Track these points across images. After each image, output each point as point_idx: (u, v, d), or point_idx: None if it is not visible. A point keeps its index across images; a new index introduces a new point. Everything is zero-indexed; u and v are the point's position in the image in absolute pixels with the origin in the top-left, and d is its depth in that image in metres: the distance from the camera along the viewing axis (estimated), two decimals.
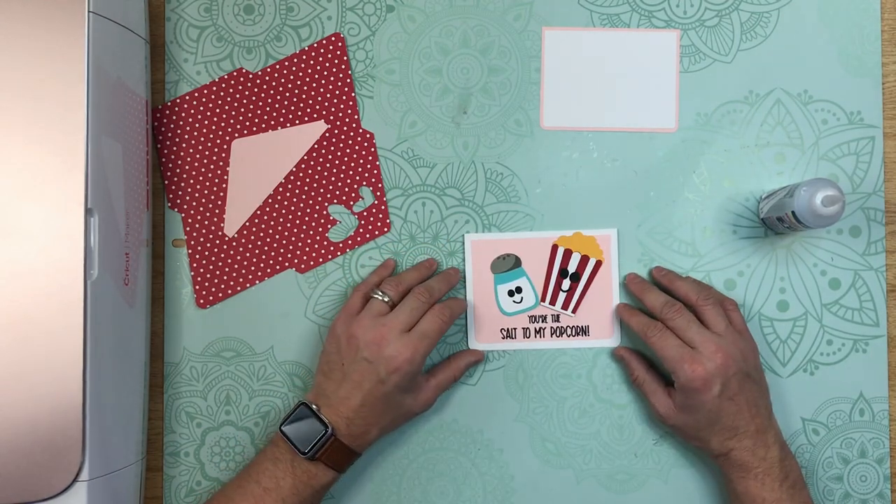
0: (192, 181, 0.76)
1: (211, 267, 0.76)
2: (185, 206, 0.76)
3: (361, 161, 0.76)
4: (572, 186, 0.76)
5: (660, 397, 0.71)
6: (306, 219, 0.76)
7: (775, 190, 0.73)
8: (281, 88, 0.76)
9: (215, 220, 0.76)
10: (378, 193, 0.76)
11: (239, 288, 0.76)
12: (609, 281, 0.75)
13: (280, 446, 0.68)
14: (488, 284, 0.76)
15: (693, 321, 0.69)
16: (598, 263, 0.75)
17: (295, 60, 0.76)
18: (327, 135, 0.76)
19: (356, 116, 0.76)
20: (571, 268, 0.76)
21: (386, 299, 0.70)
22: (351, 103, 0.76)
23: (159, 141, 0.76)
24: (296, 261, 0.76)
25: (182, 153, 0.76)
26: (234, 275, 0.76)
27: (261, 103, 0.76)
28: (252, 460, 0.70)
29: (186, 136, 0.76)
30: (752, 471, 0.67)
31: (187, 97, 0.76)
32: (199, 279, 0.76)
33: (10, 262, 0.63)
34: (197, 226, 0.76)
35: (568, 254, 0.75)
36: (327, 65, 0.76)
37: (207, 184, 0.76)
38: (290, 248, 0.76)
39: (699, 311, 0.70)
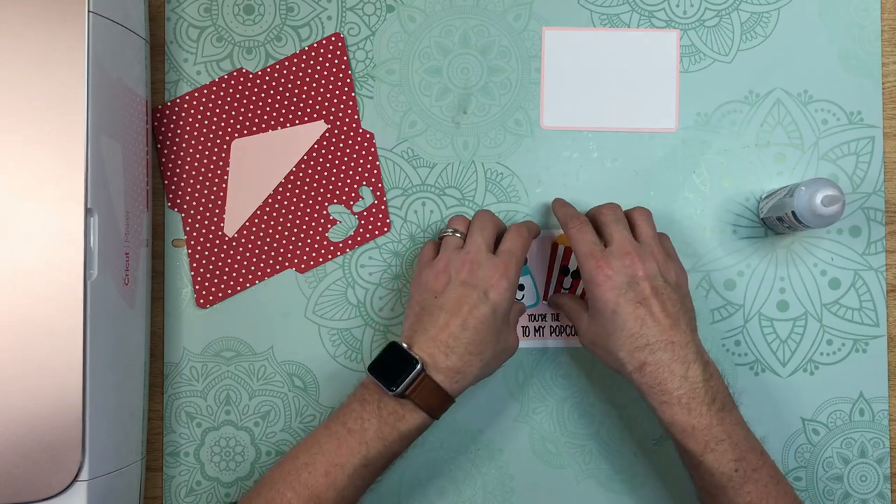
0: (192, 181, 0.76)
1: (211, 267, 0.76)
2: (185, 206, 0.76)
3: (361, 161, 0.76)
4: (572, 186, 0.76)
5: (575, 307, 0.70)
6: (306, 219, 0.76)
7: (775, 190, 0.73)
8: (281, 88, 0.76)
9: (215, 220, 0.76)
10: (378, 193, 0.76)
11: (239, 288, 0.76)
12: None
13: (369, 387, 0.65)
14: None
15: (621, 220, 0.68)
16: None
17: (295, 60, 0.76)
18: (327, 135, 0.76)
19: (356, 116, 0.76)
20: (572, 266, 0.76)
21: (458, 234, 0.69)
22: (351, 103, 0.76)
23: (159, 141, 0.76)
24: (296, 261, 0.76)
25: (182, 153, 0.76)
26: (234, 275, 0.76)
27: (261, 103, 0.76)
28: (343, 403, 0.67)
29: (186, 136, 0.76)
30: (672, 394, 0.62)
31: (187, 97, 0.76)
32: (199, 279, 0.76)
33: (10, 262, 0.63)
34: (197, 226, 0.76)
35: (568, 252, 0.75)
36: (327, 65, 0.76)
37: (207, 184, 0.76)
38: (290, 248, 0.76)
39: (630, 218, 0.69)
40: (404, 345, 0.64)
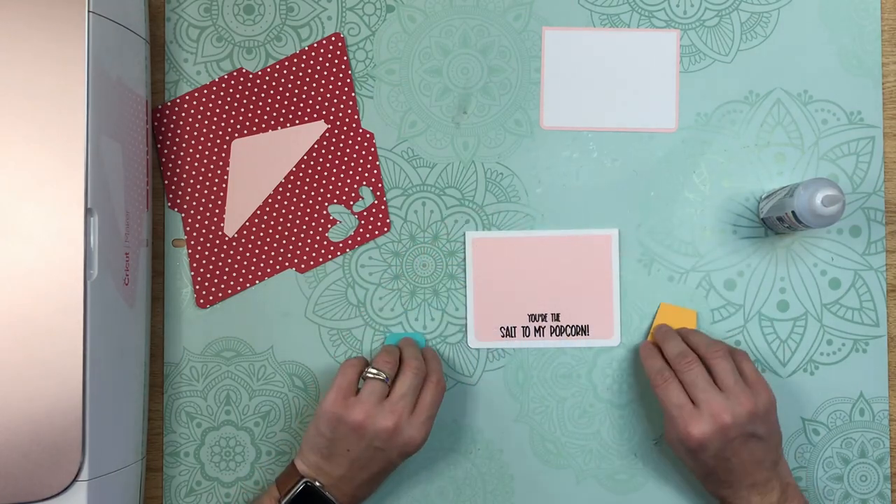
0: (192, 181, 0.76)
1: (211, 267, 0.76)
2: (185, 206, 0.76)
3: (361, 161, 0.76)
4: (572, 186, 0.76)
5: (675, 420, 0.68)
6: (306, 219, 0.76)
7: (775, 190, 0.73)
8: (281, 88, 0.76)
9: (215, 220, 0.76)
10: (378, 193, 0.76)
11: (239, 288, 0.76)
12: (609, 281, 0.75)
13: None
14: (488, 283, 0.76)
15: (702, 375, 0.67)
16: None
17: (295, 60, 0.76)
18: (327, 135, 0.76)
19: (356, 116, 0.76)
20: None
21: (384, 377, 0.68)
22: (351, 103, 0.76)
23: (159, 141, 0.76)
24: (296, 261, 0.76)
25: (182, 153, 0.76)
26: (234, 275, 0.76)
27: (261, 103, 0.76)
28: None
29: (186, 136, 0.76)
30: None
31: (187, 97, 0.76)
32: (199, 279, 0.76)
33: (10, 262, 0.63)
34: (197, 226, 0.76)
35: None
36: (327, 65, 0.76)
37: (207, 184, 0.76)
38: (290, 248, 0.76)
39: (709, 364, 0.68)
40: (318, 483, 0.67)
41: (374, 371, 0.68)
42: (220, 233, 0.76)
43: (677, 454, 0.69)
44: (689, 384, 0.67)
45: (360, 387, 0.68)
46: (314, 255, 0.76)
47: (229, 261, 0.76)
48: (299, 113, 0.76)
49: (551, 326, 0.76)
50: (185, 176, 0.76)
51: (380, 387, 0.68)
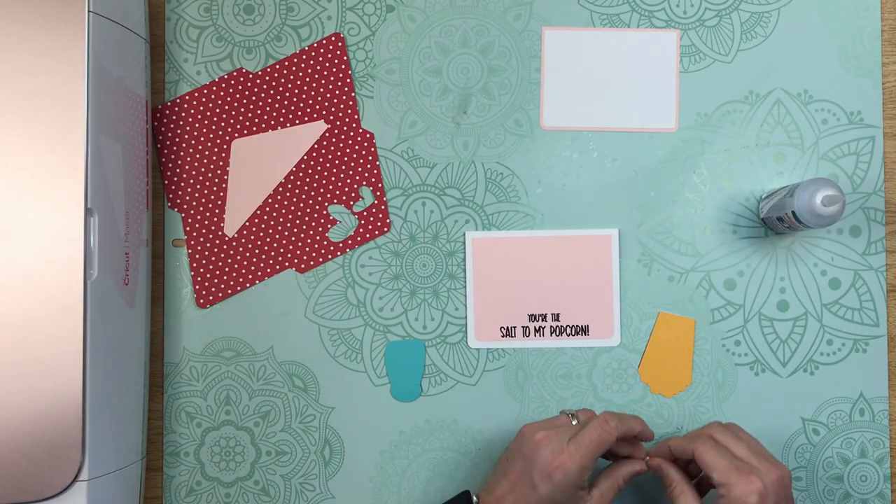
0: (192, 181, 0.76)
1: (211, 267, 0.76)
2: (185, 206, 0.76)
3: (361, 161, 0.76)
4: (572, 186, 0.76)
5: None
6: (306, 219, 0.76)
7: (775, 190, 0.73)
8: (281, 88, 0.76)
9: (215, 220, 0.76)
10: (378, 193, 0.76)
11: (239, 288, 0.76)
12: (609, 281, 0.76)
13: None
14: (488, 283, 0.76)
15: (740, 440, 0.65)
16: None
17: (295, 60, 0.76)
18: (327, 135, 0.76)
19: (356, 116, 0.76)
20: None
21: (572, 416, 0.69)
22: (351, 103, 0.76)
23: (159, 141, 0.76)
24: (296, 261, 0.76)
25: (182, 153, 0.76)
26: (234, 275, 0.76)
27: (261, 103, 0.76)
28: None
29: (186, 136, 0.76)
30: None
31: (187, 97, 0.76)
32: (199, 279, 0.76)
33: (10, 262, 0.63)
34: (197, 226, 0.76)
35: None
36: (327, 65, 0.76)
37: (207, 184, 0.76)
38: (290, 248, 0.76)
39: (722, 441, 0.66)
40: (475, 496, 0.68)
41: (571, 413, 0.69)
42: (220, 233, 0.76)
43: None
44: (730, 445, 0.65)
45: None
46: (314, 255, 0.76)
47: (229, 261, 0.76)
48: (299, 113, 0.76)
49: (551, 326, 0.76)
50: (185, 176, 0.76)
51: (563, 418, 0.69)
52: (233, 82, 0.76)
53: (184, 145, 0.76)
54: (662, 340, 0.75)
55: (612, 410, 0.73)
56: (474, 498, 0.68)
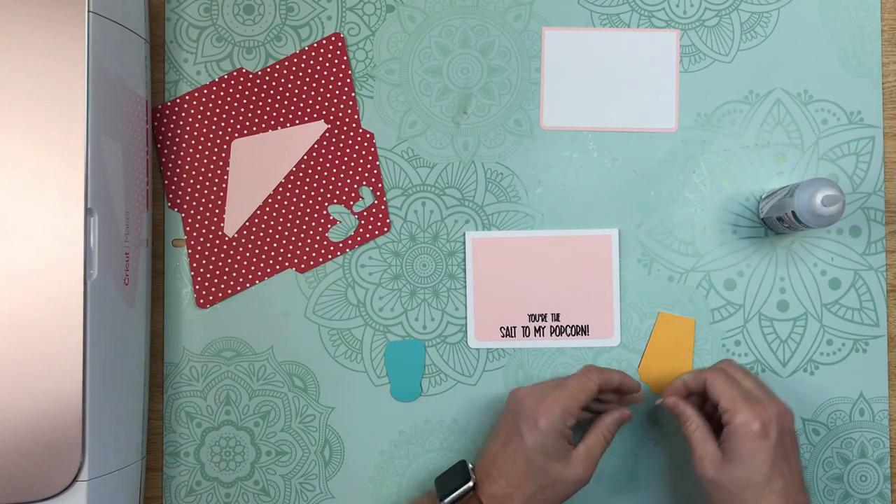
0: (192, 181, 0.76)
1: (211, 267, 0.76)
2: (185, 206, 0.76)
3: (361, 161, 0.76)
4: (572, 186, 0.76)
5: (709, 446, 0.65)
6: (306, 219, 0.76)
7: (775, 190, 0.73)
8: (281, 88, 0.76)
9: (215, 220, 0.76)
10: (378, 193, 0.76)
11: (239, 288, 0.76)
12: (609, 281, 0.76)
13: (431, 495, 0.69)
14: (488, 283, 0.76)
15: (748, 376, 0.68)
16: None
17: (295, 60, 0.76)
18: (327, 135, 0.76)
19: (356, 116, 0.76)
20: None
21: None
22: (351, 103, 0.76)
23: (159, 141, 0.76)
24: (296, 261, 0.76)
25: (182, 153, 0.76)
26: (234, 275, 0.76)
27: (261, 103, 0.76)
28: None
29: (186, 136, 0.76)
30: None
31: (187, 97, 0.76)
32: (199, 279, 0.76)
33: (10, 262, 0.63)
34: (197, 226, 0.76)
35: None
36: (327, 65, 0.76)
37: (207, 184, 0.76)
38: (290, 248, 0.76)
39: (730, 373, 0.69)
40: (470, 464, 0.68)
41: None
42: (220, 233, 0.76)
43: (726, 465, 0.64)
44: (739, 378, 0.68)
45: None
46: (314, 255, 0.76)
47: (229, 261, 0.76)
48: (299, 113, 0.76)
49: (551, 326, 0.76)
50: (185, 176, 0.76)
51: (550, 381, 0.71)
52: (233, 82, 0.76)
53: (184, 145, 0.76)
54: (662, 340, 0.75)
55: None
56: (470, 465, 0.68)
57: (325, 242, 0.76)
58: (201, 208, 0.76)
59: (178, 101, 0.76)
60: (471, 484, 0.66)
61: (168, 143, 0.76)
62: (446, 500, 0.66)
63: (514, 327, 0.76)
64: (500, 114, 0.77)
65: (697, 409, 0.69)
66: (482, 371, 0.76)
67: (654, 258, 0.76)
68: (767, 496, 0.63)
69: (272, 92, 0.76)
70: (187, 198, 0.76)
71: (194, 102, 0.76)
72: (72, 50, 0.64)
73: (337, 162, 0.76)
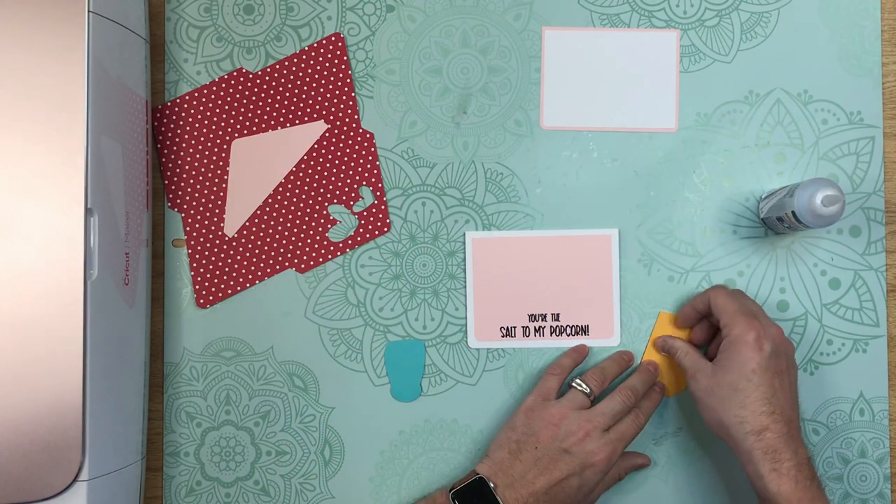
0: (192, 181, 0.76)
1: (211, 267, 0.76)
2: (185, 206, 0.76)
3: (361, 161, 0.76)
4: (572, 186, 0.76)
5: (700, 363, 0.69)
6: (306, 219, 0.76)
7: (775, 190, 0.73)
8: (281, 88, 0.76)
9: (215, 220, 0.76)
10: (378, 193, 0.76)
11: (239, 288, 0.76)
12: (609, 281, 0.76)
13: (444, 493, 0.69)
14: (488, 283, 0.76)
15: (754, 301, 0.71)
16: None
17: (295, 60, 0.76)
18: (327, 135, 0.76)
19: (356, 116, 0.76)
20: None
21: (587, 391, 0.71)
22: (351, 103, 0.76)
23: (159, 141, 0.76)
24: (296, 261, 0.76)
25: (182, 153, 0.76)
26: (234, 275, 0.76)
27: (261, 103, 0.76)
28: None
29: (186, 136, 0.76)
30: (784, 463, 0.64)
31: (187, 97, 0.76)
32: (199, 279, 0.76)
33: (10, 262, 0.63)
34: (197, 226, 0.76)
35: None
36: (327, 65, 0.76)
37: (207, 184, 0.76)
38: (290, 248, 0.76)
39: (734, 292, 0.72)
40: (491, 483, 0.68)
41: (580, 382, 0.71)
42: (220, 233, 0.76)
43: (716, 373, 0.67)
44: (732, 304, 0.69)
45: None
46: (314, 255, 0.76)
47: (229, 261, 0.76)
48: (299, 113, 0.76)
49: (551, 326, 0.76)
50: (185, 176, 0.76)
51: (581, 398, 0.70)
52: (233, 82, 0.76)
53: (184, 145, 0.76)
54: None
55: (603, 362, 0.74)
56: (491, 483, 0.68)
57: (325, 242, 0.76)
58: (201, 208, 0.76)
59: (178, 101, 0.76)
60: None
61: (168, 143, 0.76)
62: None
63: (514, 327, 0.76)
64: (500, 114, 0.77)
65: (703, 342, 0.74)
66: (482, 371, 0.76)
67: (654, 258, 0.76)
68: (754, 401, 0.65)
69: (272, 92, 0.76)
70: (187, 198, 0.76)
71: (194, 102, 0.76)
72: (72, 50, 0.64)
73: (337, 162, 0.76)
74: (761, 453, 0.64)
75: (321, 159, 0.76)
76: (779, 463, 0.64)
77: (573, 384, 0.71)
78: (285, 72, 0.76)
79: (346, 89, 0.76)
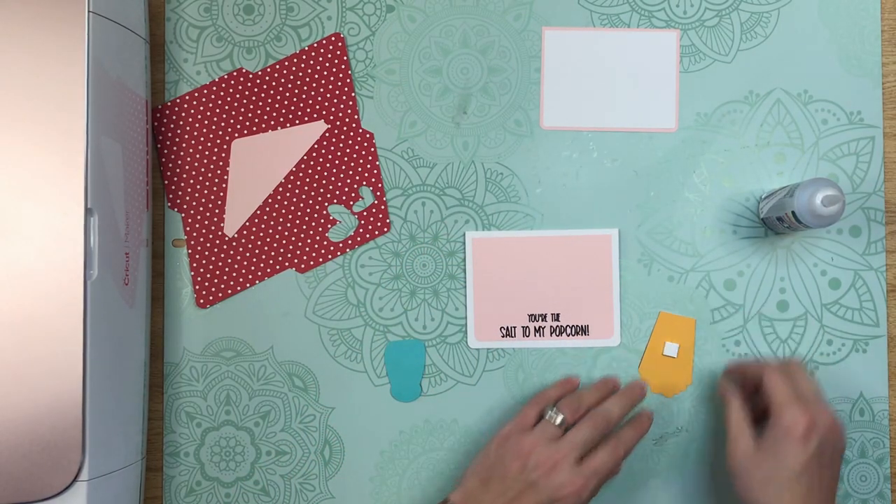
0: (192, 181, 0.76)
1: (211, 267, 0.76)
2: (185, 206, 0.76)
3: (361, 161, 0.76)
4: (572, 186, 0.76)
5: (744, 433, 0.66)
6: (306, 219, 0.76)
7: (775, 190, 0.73)
8: (281, 88, 0.76)
9: (215, 220, 0.76)
10: (378, 193, 0.76)
11: (239, 288, 0.76)
12: (609, 281, 0.76)
13: None
14: (488, 283, 0.76)
15: (810, 381, 0.66)
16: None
17: (295, 60, 0.76)
18: (327, 135, 0.76)
19: (356, 116, 0.76)
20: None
21: (559, 421, 0.67)
22: (351, 103, 0.76)
23: (159, 141, 0.76)
24: (296, 261, 0.76)
25: (182, 153, 0.76)
26: (234, 275, 0.76)
27: (261, 103, 0.76)
28: None
29: (186, 136, 0.76)
30: None
31: (187, 97, 0.76)
32: (199, 279, 0.76)
33: (10, 262, 0.63)
34: (197, 226, 0.76)
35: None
36: (327, 65, 0.76)
37: (207, 184, 0.76)
38: (290, 248, 0.76)
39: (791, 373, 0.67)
40: None
41: (552, 412, 0.68)
42: (220, 233, 0.76)
43: (757, 454, 0.64)
44: (797, 379, 0.66)
45: None
46: (314, 255, 0.76)
47: (229, 261, 0.76)
48: (299, 113, 0.76)
49: (551, 326, 0.76)
50: (185, 176, 0.76)
51: (551, 428, 0.67)
52: (233, 82, 0.76)
53: (184, 145, 0.76)
54: (663, 340, 0.75)
55: (585, 389, 0.71)
56: None
57: (325, 242, 0.76)
58: (201, 208, 0.76)
59: (178, 101, 0.76)
60: None
61: (168, 143, 0.76)
62: None
63: (514, 327, 0.76)
64: (500, 114, 0.77)
65: (749, 395, 0.69)
66: (482, 371, 0.76)
67: (654, 258, 0.76)
68: (791, 498, 0.62)
69: (272, 92, 0.76)
70: (187, 198, 0.76)
71: (194, 102, 0.76)
72: (72, 50, 0.64)
73: (337, 162, 0.76)
74: None
75: (321, 159, 0.76)
76: None
77: (545, 414, 0.69)
78: (285, 72, 0.76)
79: (346, 89, 0.76)
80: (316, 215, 0.76)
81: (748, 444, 0.65)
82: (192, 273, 0.76)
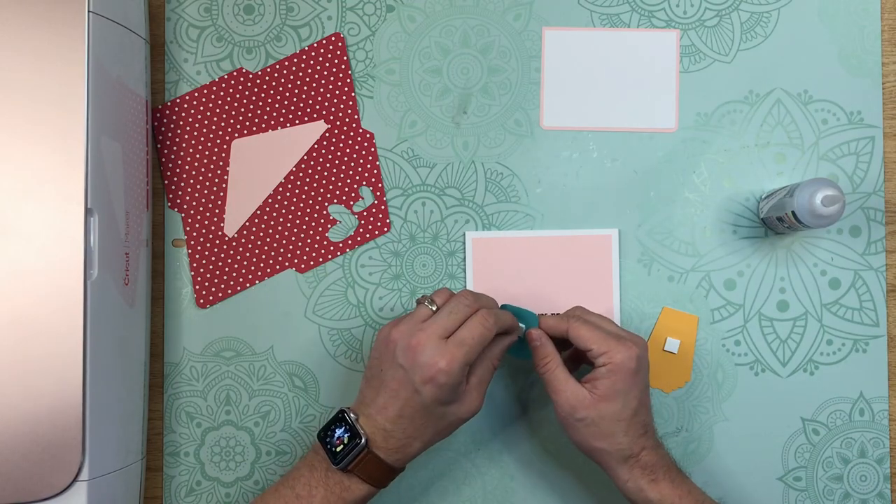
0: (192, 181, 0.76)
1: (211, 267, 0.76)
2: (185, 206, 0.76)
3: (361, 161, 0.76)
4: (572, 186, 0.76)
5: (572, 386, 0.65)
6: (306, 219, 0.76)
7: (775, 190, 0.73)
8: (281, 88, 0.76)
9: (215, 220, 0.76)
10: (378, 193, 0.76)
11: (239, 288, 0.76)
12: (609, 281, 0.76)
13: (319, 453, 0.65)
14: (488, 283, 0.75)
15: (602, 318, 0.68)
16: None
17: (295, 60, 0.76)
18: (327, 135, 0.76)
19: (356, 116, 0.76)
20: None
21: (433, 307, 0.65)
22: (351, 103, 0.76)
23: (159, 141, 0.76)
24: (296, 261, 0.76)
25: (182, 153, 0.76)
26: (234, 275, 0.76)
27: (261, 103, 0.76)
28: (294, 465, 0.68)
29: (186, 136, 0.76)
30: (658, 471, 0.65)
31: (187, 97, 0.76)
32: (199, 279, 0.76)
33: (10, 262, 0.63)
34: (197, 226, 0.76)
35: None
36: (327, 65, 0.76)
37: (207, 184, 0.76)
38: (290, 248, 0.76)
39: (588, 319, 0.68)
40: (352, 415, 0.64)
41: (428, 299, 0.66)
42: (220, 233, 0.76)
43: (598, 402, 0.64)
44: (597, 323, 0.67)
45: None
46: (314, 255, 0.76)
47: (229, 261, 0.76)
48: (299, 113, 0.76)
49: None
50: (185, 176, 0.76)
51: (422, 311, 0.65)
52: (233, 82, 0.76)
53: (184, 145, 0.76)
54: (665, 336, 0.75)
55: (469, 290, 0.69)
56: (351, 415, 0.64)
57: (325, 242, 0.76)
58: (201, 208, 0.76)
59: (178, 101, 0.76)
60: (363, 443, 0.63)
61: (168, 143, 0.76)
62: (341, 465, 0.63)
63: None
64: (500, 114, 0.77)
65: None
66: None
67: (654, 258, 0.76)
68: (633, 426, 0.65)
69: (272, 92, 0.76)
70: (187, 198, 0.76)
71: (194, 102, 0.76)
72: (72, 50, 0.64)
73: (337, 162, 0.76)
74: (640, 471, 0.65)
75: (321, 159, 0.76)
76: (655, 473, 0.65)
77: (418, 301, 0.66)
78: (285, 72, 0.76)
79: (346, 89, 0.76)
80: (316, 215, 0.76)
81: (582, 393, 0.65)
82: (192, 273, 0.76)
